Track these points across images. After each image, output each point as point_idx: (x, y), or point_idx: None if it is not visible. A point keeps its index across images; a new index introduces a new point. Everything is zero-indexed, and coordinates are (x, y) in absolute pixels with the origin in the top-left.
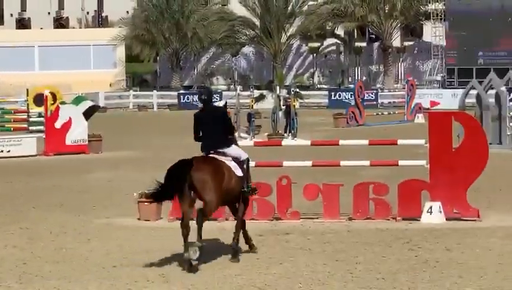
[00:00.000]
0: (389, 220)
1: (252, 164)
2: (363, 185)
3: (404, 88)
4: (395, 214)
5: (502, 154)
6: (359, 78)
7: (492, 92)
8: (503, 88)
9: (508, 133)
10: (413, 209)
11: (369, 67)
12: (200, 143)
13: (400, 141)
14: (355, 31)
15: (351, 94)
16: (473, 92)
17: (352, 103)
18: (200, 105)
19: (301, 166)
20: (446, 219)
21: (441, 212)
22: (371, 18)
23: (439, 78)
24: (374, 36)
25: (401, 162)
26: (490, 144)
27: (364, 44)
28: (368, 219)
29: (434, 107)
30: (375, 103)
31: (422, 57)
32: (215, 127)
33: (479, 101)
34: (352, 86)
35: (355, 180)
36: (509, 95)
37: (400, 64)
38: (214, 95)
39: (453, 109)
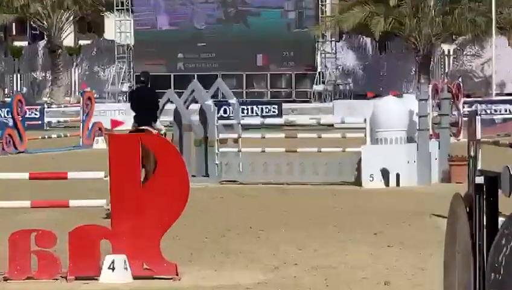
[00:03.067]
0: (57, 279)
1: None
2: (22, 233)
3: (79, 103)
4: (65, 272)
5: (209, 189)
6: (19, 89)
7: (196, 106)
8: (210, 102)
9: (217, 162)
10: (89, 264)
11: (32, 74)
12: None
13: (71, 174)
14: (14, 26)
15: (7, 111)
16: (170, 106)
17: (10, 123)
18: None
19: None
20: (134, 277)
21: (126, 268)
22: (34, 9)
23: (125, 88)
24: (38, 33)
25: (73, 203)
26: (193, 176)
27: (25, 43)
28: (30, 278)
29: (117, 128)
30: (40, 122)
31: (104, 61)
32: (148, 105)
33: (177, 119)
34: (9, 100)
35: (12, 227)
36: (219, 111)
37: (73, 70)
38: None
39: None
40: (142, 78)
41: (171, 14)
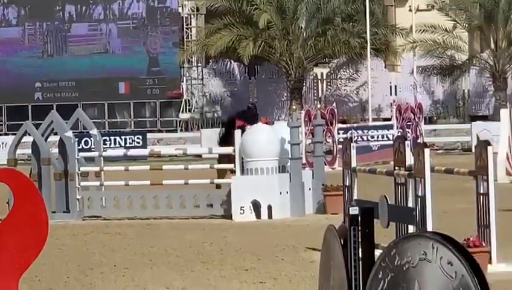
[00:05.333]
0: None
1: None
2: None
3: None
4: None
5: (70, 226)
6: None
7: (55, 138)
8: (70, 133)
9: (78, 197)
10: None
11: None
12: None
13: None
14: None
15: None
16: (28, 139)
17: None
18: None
19: None
20: None
21: None
22: None
23: None
24: None
25: None
26: (53, 212)
27: None
28: None
29: None
30: None
31: None
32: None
33: (35, 152)
34: None
35: None
36: (80, 143)
37: None
38: None
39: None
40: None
41: (28, 40)
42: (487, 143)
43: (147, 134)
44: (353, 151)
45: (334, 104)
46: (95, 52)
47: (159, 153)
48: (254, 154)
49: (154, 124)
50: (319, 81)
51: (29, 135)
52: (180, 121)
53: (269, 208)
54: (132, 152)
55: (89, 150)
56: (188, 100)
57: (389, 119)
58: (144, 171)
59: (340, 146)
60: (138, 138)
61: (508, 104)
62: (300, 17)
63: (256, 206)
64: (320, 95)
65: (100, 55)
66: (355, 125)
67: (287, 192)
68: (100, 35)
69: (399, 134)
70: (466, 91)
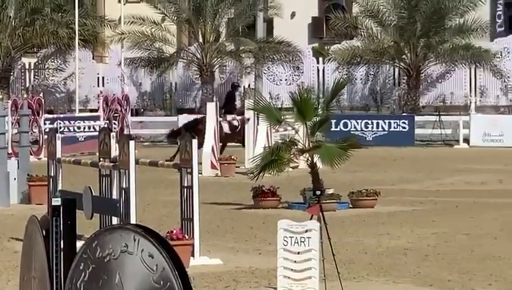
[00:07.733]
0: None
1: None
2: None
3: None
4: None
5: None
6: None
7: None
8: None
9: None
10: None
11: None
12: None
13: None
14: None
15: None
16: None
17: None
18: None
19: None
20: None
21: None
22: None
23: None
24: None
25: None
26: None
27: None
28: None
29: None
30: None
31: None
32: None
33: None
34: None
35: None
36: None
37: None
38: None
39: None
40: (231, 89)
41: None
42: (192, 136)
43: None
44: (58, 142)
45: (42, 94)
46: None
47: None
48: None
49: None
50: (27, 70)
51: None
52: None
53: None
54: None
55: None
56: None
57: (96, 111)
58: None
59: (47, 136)
60: None
61: (214, 97)
62: (9, 6)
63: None
64: (27, 84)
65: None
66: (61, 115)
67: None
68: None
69: (105, 126)
70: (173, 84)
